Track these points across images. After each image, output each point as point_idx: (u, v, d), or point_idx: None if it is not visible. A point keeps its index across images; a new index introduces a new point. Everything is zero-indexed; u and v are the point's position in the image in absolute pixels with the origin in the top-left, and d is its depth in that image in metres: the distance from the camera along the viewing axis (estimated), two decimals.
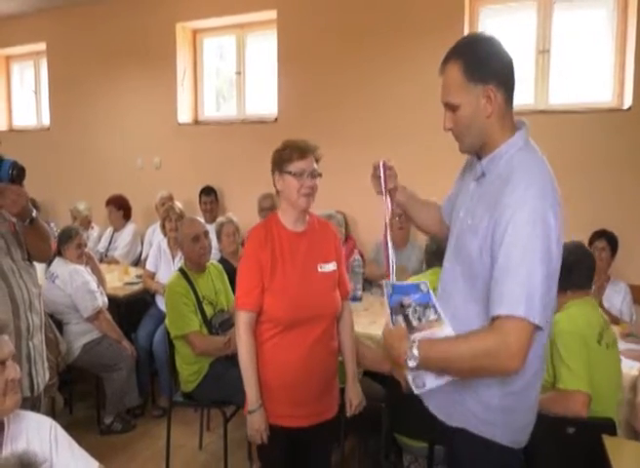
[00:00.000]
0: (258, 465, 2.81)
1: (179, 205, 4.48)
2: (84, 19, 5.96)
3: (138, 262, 5.03)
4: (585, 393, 2.07)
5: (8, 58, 6.95)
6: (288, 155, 1.99)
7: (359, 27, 4.51)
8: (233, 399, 2.79)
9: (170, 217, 4.23)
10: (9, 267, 2.00)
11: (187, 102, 5.58)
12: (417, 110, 4.28)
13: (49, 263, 3.49)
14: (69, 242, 3.55)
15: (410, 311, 1.56)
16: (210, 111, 5.67)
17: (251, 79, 5.36)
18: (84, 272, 3.54)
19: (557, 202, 1.41)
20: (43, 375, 2.13)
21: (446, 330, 1.51)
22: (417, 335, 1.47)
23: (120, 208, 5.13)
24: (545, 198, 1.37)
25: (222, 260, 3.73)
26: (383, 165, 1.76)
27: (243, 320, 2.01)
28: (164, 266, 4.16)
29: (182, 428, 3.49)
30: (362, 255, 3.85)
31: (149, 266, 4.23)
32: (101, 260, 4.77)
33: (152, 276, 4.18)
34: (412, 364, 1.43)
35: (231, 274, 2.86)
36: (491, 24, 4.27)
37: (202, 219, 3.60)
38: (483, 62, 1.44)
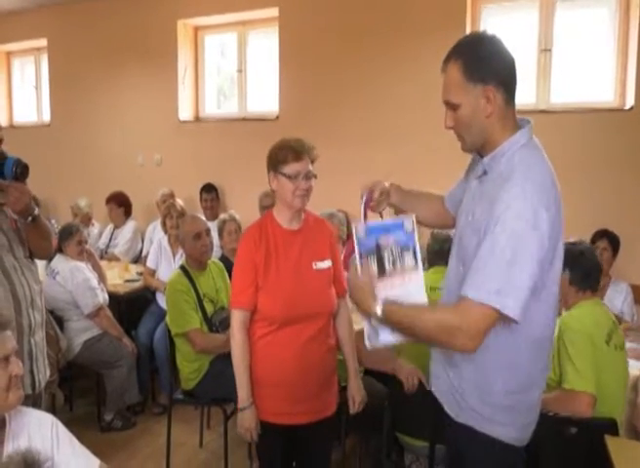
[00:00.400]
0: (258, 463, 2.81)
1: (179, 202, 4.47)
2: (85, 16, 5.94)
3: (138, 259, 5.02)
4: (591, 394, 2.06)
5: (8, 54, 6.93)
6: (283, 156, 1.97)
7: (361, 25, 4.50)
8: (234, 397, 2.74)
9: (171, 215, 4.23)
10: (11, 264, 2.00)
11: (188, 100, 5.57)
12: (417, 110, 4.27)
13: (49, 260, 3.48)
14: (70, 239, 3.55)
15: (386, 253, 1.54)
16: (211, 109, 5.66)
17: (252, 77, 5.35)
18: (85, 269, 3.54)
19: (556, 198, 1.41)
20: (44, 373, 2.13)
21: (418, 280, 1.53)
22: (386, 282, 1.51)
23: (121, 205, 5.13)
24: (541, 194, 1.37)
25: (223, 258, 3.71)
26: (368, 194, 1.75)
27: (237, 318, 2.03)
28: (164, 264, 4.16)
29: (183, 426, 3.49)
30: None
31: (150, 264, 4.22)
32: (102, 257, 4.76)
33: (153, 273, 4.18)
34: (373, 322, 1.52)
35: (232, 272, 2.85)
36: (493, 23, 4.26)
37: (202, 217, 3.59)
38: (483, 63, 1.44)
